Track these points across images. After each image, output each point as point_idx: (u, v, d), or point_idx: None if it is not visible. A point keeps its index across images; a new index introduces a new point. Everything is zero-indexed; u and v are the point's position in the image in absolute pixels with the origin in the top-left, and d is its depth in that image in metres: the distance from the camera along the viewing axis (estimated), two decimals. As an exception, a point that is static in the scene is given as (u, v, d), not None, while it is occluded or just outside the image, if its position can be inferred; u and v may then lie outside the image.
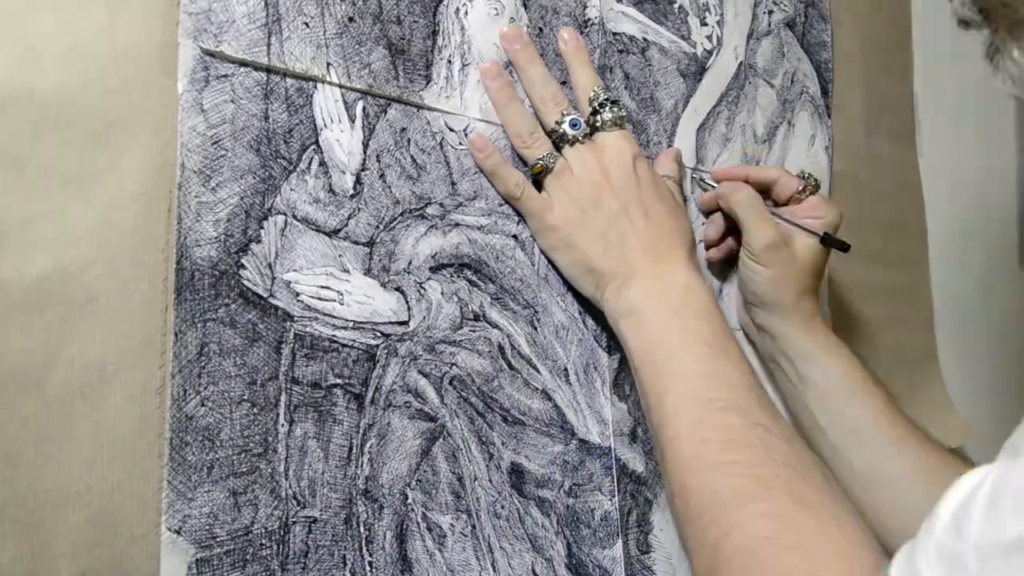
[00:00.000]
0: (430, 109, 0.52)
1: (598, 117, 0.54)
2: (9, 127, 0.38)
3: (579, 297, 0.57)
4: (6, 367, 0.37)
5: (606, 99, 0.55)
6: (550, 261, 0.55)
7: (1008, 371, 0.97)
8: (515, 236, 0.55)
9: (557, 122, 0.54)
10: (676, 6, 0.65)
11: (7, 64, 0.38)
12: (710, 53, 0.67)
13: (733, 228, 0.64)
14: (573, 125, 0.53)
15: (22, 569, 0.36)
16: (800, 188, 0.61)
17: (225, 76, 0.44)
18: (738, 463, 0.43)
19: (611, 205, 0.53)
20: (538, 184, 0.55)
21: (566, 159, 0.54)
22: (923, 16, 0.87)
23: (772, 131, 0.71)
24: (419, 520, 0.49)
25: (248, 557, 0.43)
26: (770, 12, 0.72)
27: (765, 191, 0.62)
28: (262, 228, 0.45)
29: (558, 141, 0.54)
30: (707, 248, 0.65)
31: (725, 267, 0.66)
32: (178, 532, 0.41)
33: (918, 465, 0.56)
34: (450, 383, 0.51)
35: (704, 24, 0.66)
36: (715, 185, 0.63)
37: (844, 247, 0.61)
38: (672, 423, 0.47)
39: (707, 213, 0.65)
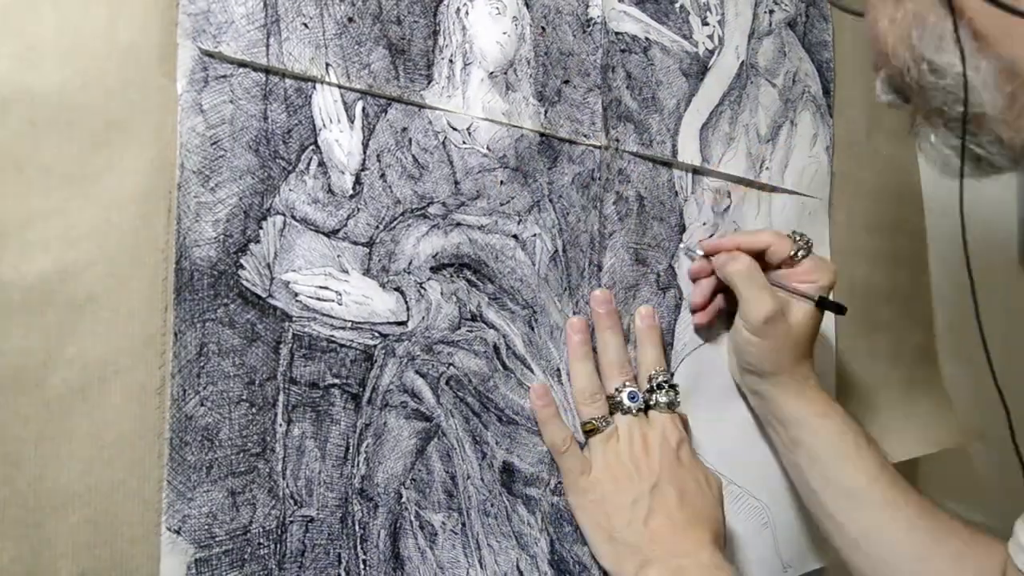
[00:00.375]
0: (432, 108, 0.52)
1: (654, 397, 0.57)
2: (9, 127, 0.38)
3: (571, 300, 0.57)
4: (6, 367, 0.37)
5: (664, 381, 0.57)
6: (576, 521, 0.55)
7: (1008, 371, 0.97)
8: (515, 236, 0.55)
9: (617, 389, 0.56)
10: (677, 6, 0.64)
11: (7, 64, 0.38)
12: (712, 53, 0.67)
13: (719, 290, 0.63)
14: (632, 397, 0.56)
15: (22, 569, 0.37)
16: (793, 252, 0.60)
17: (224, 76, 0.44)
18: None
19: (646, 479, 0.53)
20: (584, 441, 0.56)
21: (616, 425, 0.55)
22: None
23: (775, 130, 0.71)
24: (412, 518, 0.49)
25: (246, 556, 0.43)
26: (771, 12, 0.71)
27: (758, 257, 0.61)
28: (261, 228, 0.45)
29: (613, 407, 0.56)
30: (692, 312, 0.64)
31: (711, 331, 0.65)
32: (178, 532, 0.41)
33: (911, 527, 0.57)
34: (446, 383, 0.51)
35: (705, 24, 0.66)
36: (701, 254, 0.62)
37: (841, 310, 0.60)
38: None
39: (695, 279, 0.64)
